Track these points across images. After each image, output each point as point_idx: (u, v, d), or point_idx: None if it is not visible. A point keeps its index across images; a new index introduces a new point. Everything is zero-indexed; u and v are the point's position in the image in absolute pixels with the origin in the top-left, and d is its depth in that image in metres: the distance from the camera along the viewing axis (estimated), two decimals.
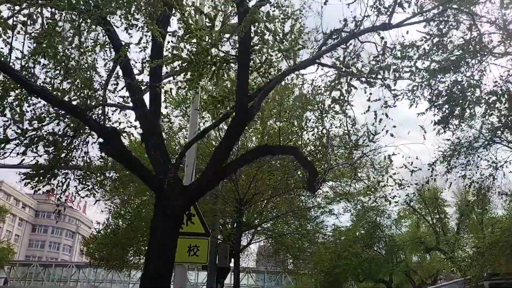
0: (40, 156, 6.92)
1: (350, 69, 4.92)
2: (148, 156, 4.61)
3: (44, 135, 6.21)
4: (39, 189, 8.13)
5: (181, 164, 5.12)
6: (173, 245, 4.35)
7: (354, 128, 7.05)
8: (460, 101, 8.20)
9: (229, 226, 12.80)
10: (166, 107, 9.82)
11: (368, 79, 4.97)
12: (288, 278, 56.81)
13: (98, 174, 9.25)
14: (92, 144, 7.65)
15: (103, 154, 8.92)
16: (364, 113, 5.60)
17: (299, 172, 9.14)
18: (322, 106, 6.74)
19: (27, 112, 5.78)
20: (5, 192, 69.44)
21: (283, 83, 8.03)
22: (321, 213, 11.05)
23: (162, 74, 5.38)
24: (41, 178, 7.66)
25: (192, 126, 5.98)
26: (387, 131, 5.81)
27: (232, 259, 15.52)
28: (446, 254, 24.00)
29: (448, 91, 8.28)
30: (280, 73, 4.86)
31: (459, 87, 8.13)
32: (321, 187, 8.39)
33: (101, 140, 4.75)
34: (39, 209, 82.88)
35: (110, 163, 9.99)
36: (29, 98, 6.17)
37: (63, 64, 5.98)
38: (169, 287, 4.27)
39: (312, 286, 43.78)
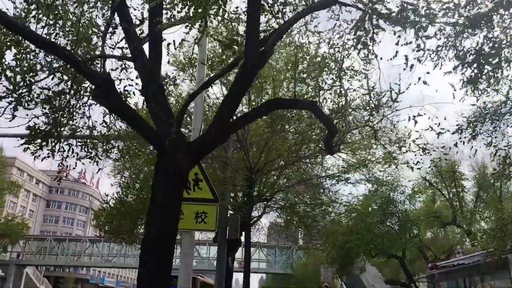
0: (38, 117, 6.47)
1: (376, 8, 4.30)
2: (148, 109, 4.10)
3: (38, 94, 5.74)
4: (39, 155, 7.73)
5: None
6: (177, 206, 3.87)
7: (375, 89, 6.45)
8: (491, 60, 7.52)
9: (239, 198, 12.40)
10: (172, 72, 9.35)
11: (398, 18, 4.34)
12: (299, 253, 57.13)
13: (103, 142, 8.81)
14: (92, 107, 7.16)
15: (106, 119, 8.46)
16: (391, 59, 4.99)
17: (313, 135, 8.57)
18: (341, 63, 6.14)
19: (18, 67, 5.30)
20: (18, 168, 70.14)
21: (298, 42, 7.41)
22: (336, 181, 10.53)
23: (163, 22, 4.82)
24: (41, 142, 7.25)
25: (199, 81, 5.45)
26: (419, 78, 5.20)
27: (243, 233, 15.21)
28: (463, 229, 23.49)
29: (477, 49, 7.58)
30: (296, 13, 4.26)
31: (491, 44, 7.44)
32: (340, 149, 7.87)
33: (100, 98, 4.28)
34: (52, 185, 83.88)
35: (114, 131, 9.55)
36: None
37: (58, 16, 5.45)
38: (172, 252, 3.80)
39: (323, 261, 43.87)
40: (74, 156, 8.11)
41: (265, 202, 20.29)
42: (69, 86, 5.77)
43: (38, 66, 5.37)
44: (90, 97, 5.50)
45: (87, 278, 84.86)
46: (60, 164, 7.57)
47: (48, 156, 7.88)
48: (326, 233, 31.58)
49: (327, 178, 10.33)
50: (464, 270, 11.88)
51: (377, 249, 32.20)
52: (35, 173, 76.63)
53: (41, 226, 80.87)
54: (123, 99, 4.74)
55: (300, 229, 19.09)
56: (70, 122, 7.57)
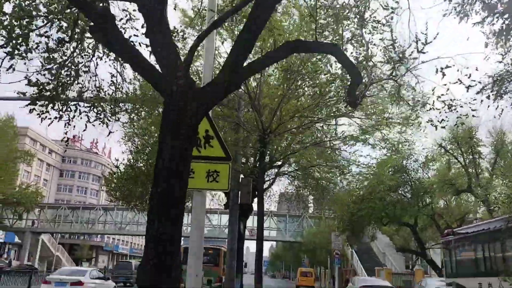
0: (40, 73, 6.11)
1: None
2: (153, 53, 3.70)
3: (37, 43, 5.35)
4: (46, 117, 7.43)
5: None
6: (185, 161, 3.51)
7: (397, 43, 5.94)
8: None
9: (251, 162, 12.10)
10: (180, 26, 8.86)
11: None
12: (309, 221, 57.51)
13: (111, 104, 8.47)
14: (98, 62, 6.76)
15: (113, 80, 8.09)
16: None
17: (331, 92, 8.09)
18: (363, 12, 5.63)
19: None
20: (31, 138, 70.68)
21: None
22: (354, 141, 10.08)
23: None
24: (47, 103, 6.93)
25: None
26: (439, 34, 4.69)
27: (255, 199, 14.99)
28: (478, 196, 23.06)
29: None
30: None
31: None
32: (361, 103, 7.48)
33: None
34: (65, 154, 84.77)
35: (122, 94, 9.19)
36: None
37: None
38: (182, 210, 3.46)
39: (334, 229, 44.05)
40: (81, 118, 7.81)
41: (277, 169, 20.04)
42: (69, 35, 5.36)
43: (35, 13, 4.96)
44: (89, 32, 5.06)
45: (102, 245, 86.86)
46: (67, 125, 7.27)
47: (56, 118, 7.59)
48: (337, 201, 31.54)
49: (345, 139, 9.87)
50: (484, 236, 11.53)
51: (388, 217, 32.09)
52: (48, 143, 77.33)
53: (55, 194, 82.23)
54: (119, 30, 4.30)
55: (314, 192, 18.78)
56: (76, 81, 7.23)
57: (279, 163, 17.68)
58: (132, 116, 10.74)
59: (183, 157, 3.66)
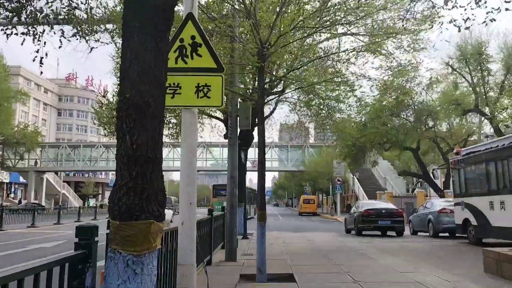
0: None
1: None
2: None
3: None
4: (11, 33, 6.53)
5: None
6: (159, 58, 2.71)
7: None
8: None
9: (250, 83, 11.25)
10: None
11: None
12: (310, 151, 57.78)
13: (87, 21, 7.51)
14: None
15: None
16: None
17: None
18: None
19: None
20: (24, 77, 68.99)
21: None
22: (365, 50, 9.19)
23: None
24: (10, 15, 6.01)
25: None
26: None
27: (255, 128, 14.32)
28: (485, 115, 22.41)
29: None
30: None
31: None
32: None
33: None
34: (61, 93, 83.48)
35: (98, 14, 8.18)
36: None
37: None
38: (162, 120, 2.72)
39: (335, 157, 44.20)
40: (55, 33, 6.90)
41: (278, 96, 19.19)
42: None
43: None
44: None
45: (107, 182, 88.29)
46: (36, 41, 6.39)
47: (23, 34, 6.68)
48: (339, 128, 31.11)
49: (353, 50, 8.94)
50: (498, 153, 10.97)
51: (390, 143, 31.89)
52: (42, 82, 75.68)
53: (56, 134, 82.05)
54: None
55: (316, 118, 18.12)
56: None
57: (280, 87, 16.83)
58: (114, 39, 9.77)
59: (154, 52, 2.84)
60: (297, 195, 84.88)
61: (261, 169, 7.48)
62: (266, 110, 19.25)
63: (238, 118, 9.61)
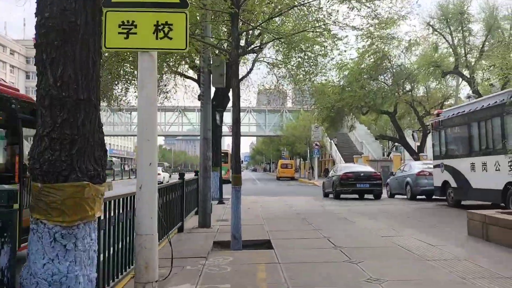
0: None
1: None
2: None
3: None
4: None
5: None
6: None
7: None
8: None
9: (224, 38, 10.42)
10: None
11: None
12: (288, 115, 57.36)
13: None
14: None
15: None
16: None
17: None
18: None
19: None
20: None
21: None
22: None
23: None
24: None
25: None
26: None
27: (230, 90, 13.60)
28: (465, 77, 22.18)
29: None
30: None
31: None
32: None
33: None
34: (29, 55, 79.77)
35: None
36: None
37: None
38: (98, 49, 2.05)
39: (313, 121, 43.94)
40: None
41: (255, 55, 18.37)
42: None
43: None
44: None
45: None
46: None
47: None
48: (318, 91, 30.66)
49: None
50: (480, 114, 10.62)
51: (368, 106, 31.67)
52: (8, 43, 72.01)
53: (25, 82, 78.96)
54: None
55: (299, 74, 17.43)
56: None
57: (257, 44, 16.01)
58: None
59: None
60: (275, 160, 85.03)
61: (236, 128, 6.87)
62: (243, 70, 18.46)
63: (211, 75, 8.86)
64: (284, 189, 28.59)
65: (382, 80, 32.55)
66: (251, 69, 18.03)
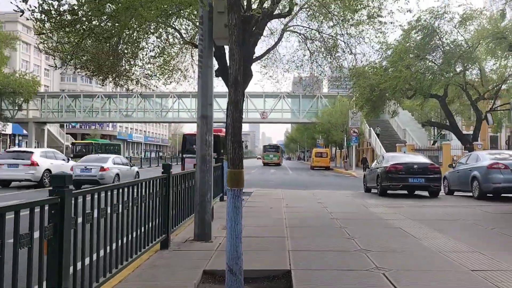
0: None
1: None
2: None
3: None
4: None
5: None
6: None
7: None
8: None
9: None
10: None
11: None
12: (324, 101, 53.99)
13: None
14: None
15: None
16: None
17: None
18: None
19: None
20: (24, 24, 64.68)
21: None
22: None
23: None
24: None
25: None
26: None
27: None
28: None
29: None
30: None
31: None
32: None
33: None
34: None
35: None
36: None
37: None
38: None
39: (350, 107, 40.54)
40: None
41: (284, 23, 15.56)
42: None
43: None
44: None
45: (115, 134, 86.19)
46: None
47: None
48: (358, 72, 27.54)
49: None
50: None
51: (414, 89, 28.19)
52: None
53: (60, 85, 79.25)
54: None
55: (337, 45, 14.72)
56: None
57: (286, 7, 13.20)
58: None
59: None
60: (309, 148, 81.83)
61: (235, 96, 4.21)
62: (269, 42, 15.64)
63: (212, 23, 6.18)
64: (317, 181, 25.71)
65: (431, 60, 28.98)
66: (279, 40, 15.19)
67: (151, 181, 5.19)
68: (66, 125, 71.22)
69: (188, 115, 54.44)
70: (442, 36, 27.58)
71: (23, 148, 30.75)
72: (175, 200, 6.17)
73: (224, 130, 50.04)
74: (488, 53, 21.49)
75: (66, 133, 65.24)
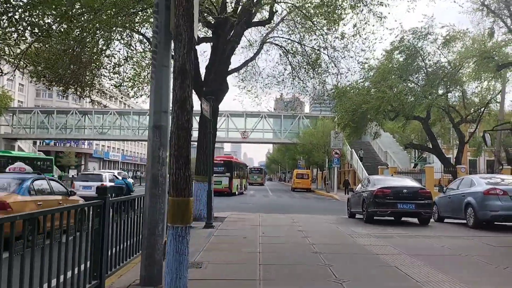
0: None
1: None
2: None
3: None
4: None
5: None
6: None
7: None
8: None
9: None
10: None
11: None
12: (305, 121, 53.23)
13: None
14: None
15: None
16: None
17: None
18: None
19: None
20: None
21: None
22: None
23: None
24: None
25: None
26: None
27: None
28: None
29: None
30: None
31: None
32: None
33: None
34: None
35: None
36: None
37: None
38: None
39: (332, 128, 39.72)
40: None
41: (264, 35, 14.65)
42: None
43: None
44: None
45: (91, 152, 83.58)
46: None
47: None
48: (340, 92, 26.76)
49: None
50: None
51: (396, 111, 27.50)
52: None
53: (35, 100, 76.75)
54: None
55: (319, 59, 13.89)
56: None
57: (266, 13, 12.20)
58: None
59: None
60: (290, 169, 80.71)
61: (180, 115, 2.96)
62: (247, 55, 14.54)
63: (170, 11, 4.94)
64: (298, 204, 24.42)
65: (414, 81, 28.47)
66: (258, 51, 14.16)
67: (75, 209, 3.85)
68: (40, 142, 68.60)
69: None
70: (425, 57, 27.12)
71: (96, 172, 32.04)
72: (118, 233, 4.82)
73: (235, 158, 50.16)
74: (473, 73, 20.84)
75: (39, 151, 62.59)
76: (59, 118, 53.37)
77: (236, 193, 33.23)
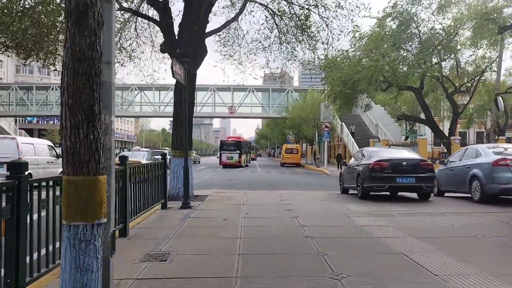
0: None
1: None
2: None
3: None
4: None
5: None
6: None
7: None
8: None
9: None
10: None
11: None
12: (295, 95, 51.89)
13: None
14: None
15: None
16: None
17: None
18: None
19: None
20: None
21: None
22: None
23: None
24: None
25: None
26: None
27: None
28: None
29: None
30: None
31: None
32: None
33: None
34: None
35: None
36: None
37: None
38: None
39: (322, 100, 38.46)
40: None
41: None
42: None
43: None
44: None
45: None
46: None
47: None
48: (330, 64, 25.50)
49: None
50: None
51: (389, 81, 26.35)
52: None
53: (14, 77, 74.12)
54: None
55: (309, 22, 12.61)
56: None
57: None
58: None
59: None
60: (280, 144, 79.66)
61: (77, 38, 1.67)
62: (230, 15, 13.08)
63: None
64: (287, 179, 23.39)
65: (407, 49, 27.24)
66: (240, 11, 12.74)
67: None
68: (20, 119, 66.44)
69: (152, 109, 51.42)
70: (419, 24, 25.89)
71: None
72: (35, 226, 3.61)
73: (242, 138, 51.91)
74: (470, 39, 19.59)
75: (20, 129, 60.54)
76: (39, 95, 51.32)
77: (244, 165, 41.01)
